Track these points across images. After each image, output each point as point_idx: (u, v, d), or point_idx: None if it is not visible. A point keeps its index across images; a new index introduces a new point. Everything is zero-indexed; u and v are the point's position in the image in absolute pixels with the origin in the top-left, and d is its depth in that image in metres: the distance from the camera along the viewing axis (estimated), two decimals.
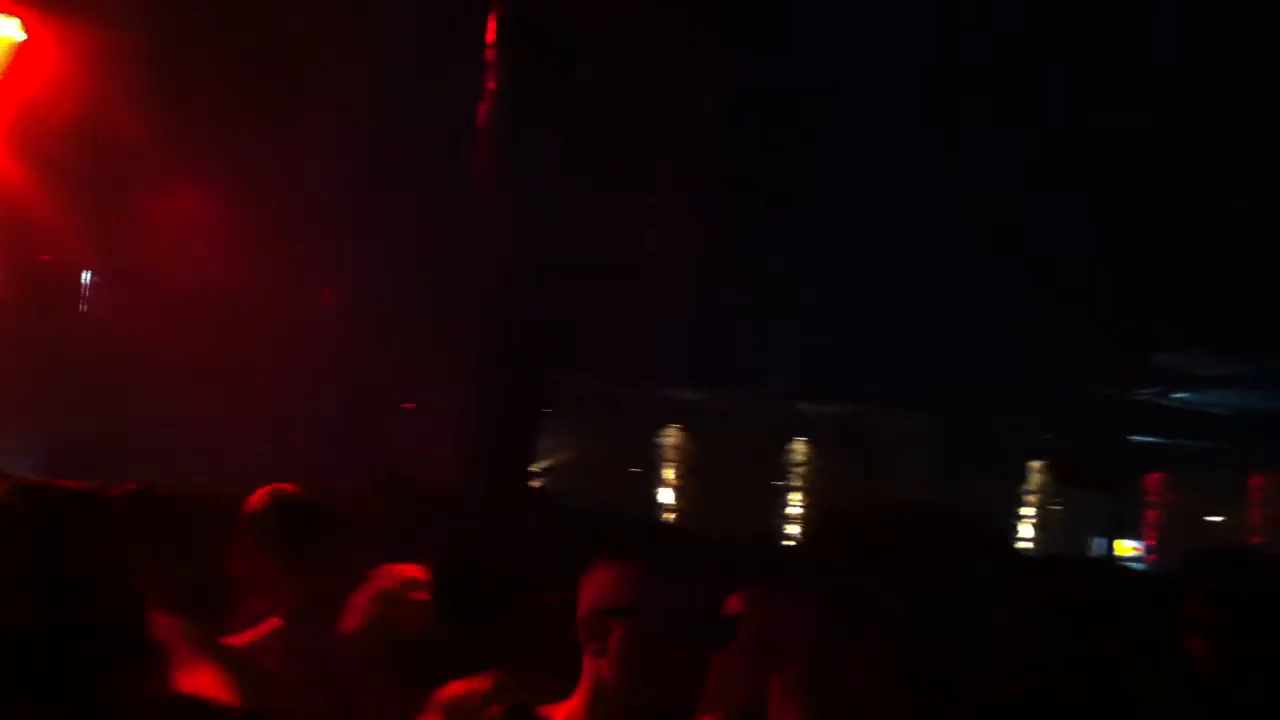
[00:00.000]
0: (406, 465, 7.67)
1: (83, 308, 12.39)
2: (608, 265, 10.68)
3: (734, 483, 20.19)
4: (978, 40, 10.69)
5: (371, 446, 10.40)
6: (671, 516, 20.60)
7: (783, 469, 22.24)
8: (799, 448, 22.28)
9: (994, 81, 11.04)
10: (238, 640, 3.06)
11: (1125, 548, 21.68)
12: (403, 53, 10.48)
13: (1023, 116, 11.81)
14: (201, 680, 2.49)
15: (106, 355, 11.10)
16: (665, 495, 21.54)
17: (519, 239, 8.46)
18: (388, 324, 11.18)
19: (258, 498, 3.28)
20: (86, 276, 12.49)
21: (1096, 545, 21.03)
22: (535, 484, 12.54)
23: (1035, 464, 23.08)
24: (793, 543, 18.88)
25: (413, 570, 2.97)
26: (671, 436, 21.84)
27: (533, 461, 9.89)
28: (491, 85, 8.43)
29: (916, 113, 11.55)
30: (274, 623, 3.14)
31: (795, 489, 22.07)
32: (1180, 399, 20.23)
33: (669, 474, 21.73)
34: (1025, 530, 23.00)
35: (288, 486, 3.30)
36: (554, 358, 9.45)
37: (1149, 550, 22.62)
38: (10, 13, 8.93)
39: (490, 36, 8.46)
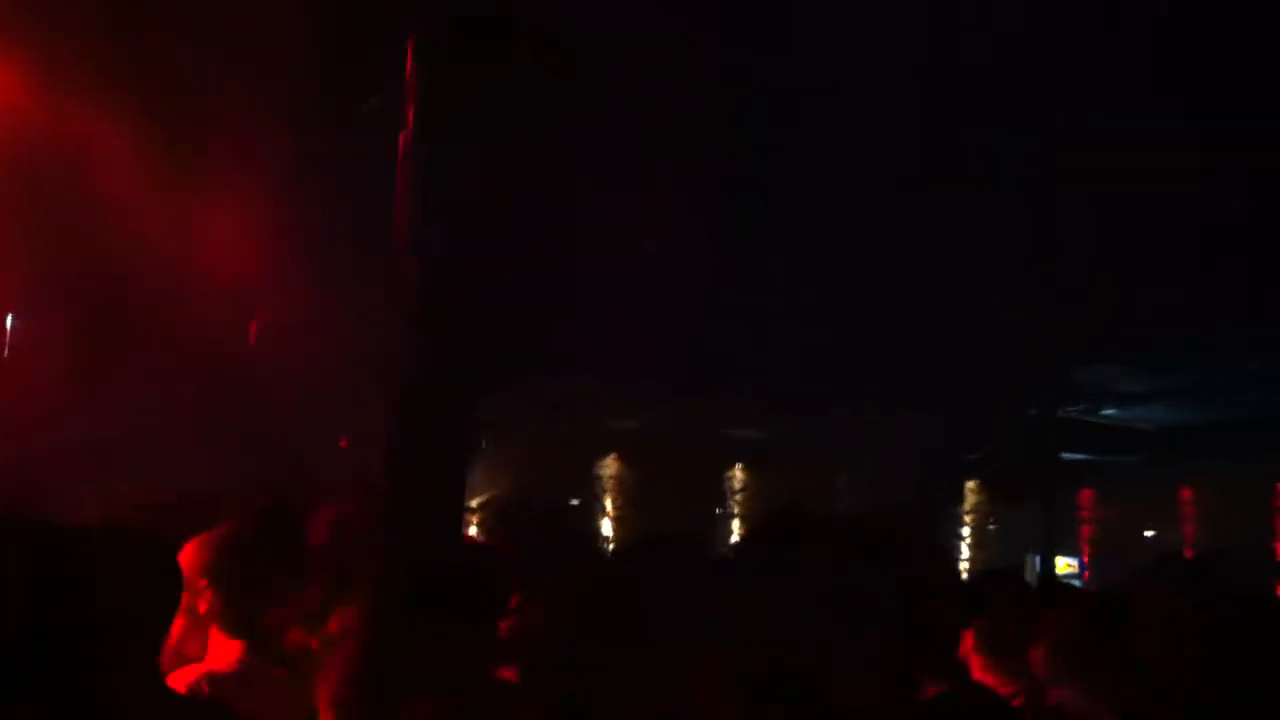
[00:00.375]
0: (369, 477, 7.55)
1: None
2: (546, 289, 10.58)
3: (675, 510, 20.13)
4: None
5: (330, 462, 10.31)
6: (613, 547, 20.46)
7: (724, 494, 22.23)
8: (738, 473, 22.30)
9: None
10: (196, 672, 3.00)
11: (1063, 565, 21.94)
12: (326, 74, 10.36)
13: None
14: None
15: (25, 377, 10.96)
16: (605, 526, 21.43)
17: (444, 269, 8.26)
18: (319, 349, 11.04)
19: (229, 521, 3.20)
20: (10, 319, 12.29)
21: (1033, 563, 21.26)
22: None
23: (970, 483, 23.29)
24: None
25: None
26: (610, 467, 21.74)
27: (463, 497, 9.71)
28: (411, 112, 8.21)
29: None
30: (236, 652, 3.06)
31: (735, 515, 22.06)
32: (1108, 415, 20.49)
33: (609, 504, 21.63)
34: (962, 549, 23.19)
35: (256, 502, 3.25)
36: (487, 387, 9.29)
37: (1084, 567, 22.91)
38: None
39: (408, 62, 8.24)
